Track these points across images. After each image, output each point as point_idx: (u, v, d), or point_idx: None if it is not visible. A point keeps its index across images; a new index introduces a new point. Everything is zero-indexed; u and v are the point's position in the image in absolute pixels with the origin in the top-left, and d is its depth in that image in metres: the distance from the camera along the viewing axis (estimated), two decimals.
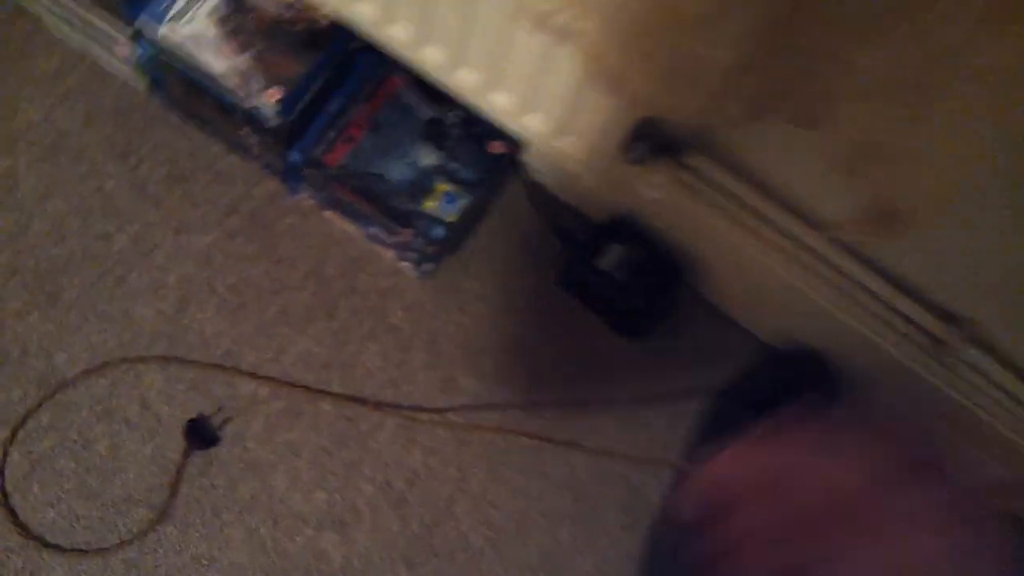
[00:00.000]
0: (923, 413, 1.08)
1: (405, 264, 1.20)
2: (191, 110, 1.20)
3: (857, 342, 1.06)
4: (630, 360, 1.23)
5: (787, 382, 1.21)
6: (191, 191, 1.21)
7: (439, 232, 1.11)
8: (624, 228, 1.21)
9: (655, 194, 0.99)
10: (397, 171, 1.12)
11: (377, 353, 1.18)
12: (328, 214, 1.21)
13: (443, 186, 1.12)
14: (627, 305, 1.19)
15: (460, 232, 1.15)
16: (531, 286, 1.25)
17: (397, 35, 1.03)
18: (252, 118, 1.09)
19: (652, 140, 0.98)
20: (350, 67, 1.14)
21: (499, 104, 1.04)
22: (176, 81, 1.14)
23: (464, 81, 1.03)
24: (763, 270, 1.04)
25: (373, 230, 1.16)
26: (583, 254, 1.20)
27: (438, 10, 0.95)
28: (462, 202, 1.12)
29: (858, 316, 1.03)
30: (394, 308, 1.21)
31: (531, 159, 1.21)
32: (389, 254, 1.20)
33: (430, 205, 1.11)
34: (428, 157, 1.13)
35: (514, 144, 1.15)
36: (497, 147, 1.14)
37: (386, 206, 1.11)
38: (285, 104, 1.06)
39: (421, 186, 1.12)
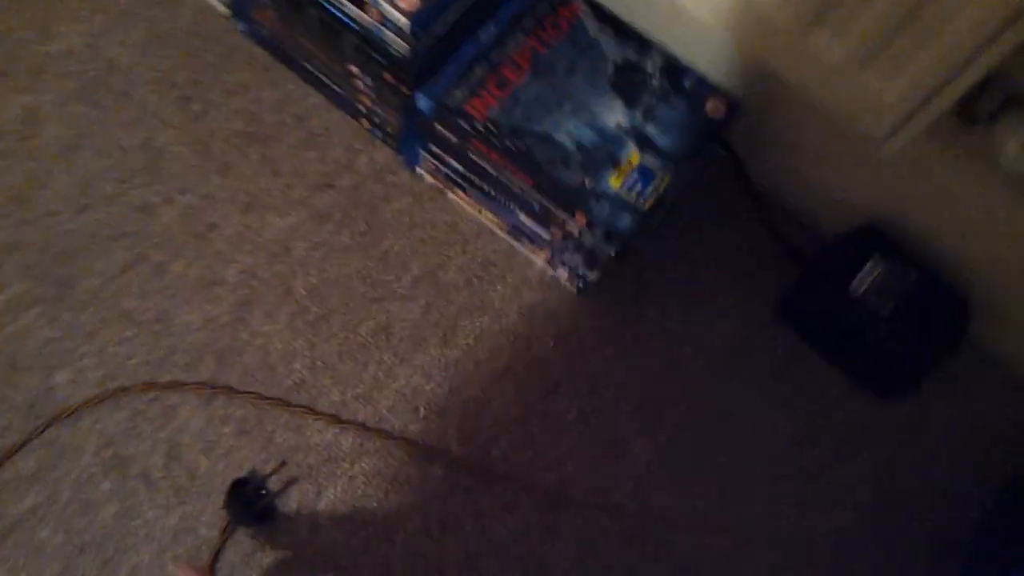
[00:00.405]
0: None
1: (560, 273, 0.83)
2: (285, 40, 0.87)
3: None
4: (883, 429, 0.84)
5: None
6: (271, 155, 0.87)
7: (625, 222, 0.74)
8: (879, 239, 0.83)
9: (1013, 163, 0.60)
10: (570, 132, 0.76)
11: (515, 398, 0.81)
12: (457, 196, 0.85)
13: (636, 156, 0.76)
14: (889, 349, 0.80)
15: (651, 225, 0.78)
16: (739, 320, 0.87)
17: None
18: (369, 39, 0.75)
19: (1014, 86, 0.61)
20: None
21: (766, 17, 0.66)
22: None
23: None
24: None
25: (522, 220, 0.80)
26: (827, 275, 0.82)
27: None
28: (659, 181, 0.75)
29: None
30: (540, 336, 0.84)
31: (753, 140, 0.84)
32: (539, 257, 0.84)
33: (616, 182, 0.75)
34: (616, 114, 0.77)
35: (734, 108, 0.78)
36: (718, 107, 0.78)
37: (551, 180, 0.74)
38: (420, 18, 0.72)
39: (605, 154, 0.76)
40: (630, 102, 0.77)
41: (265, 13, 0.85)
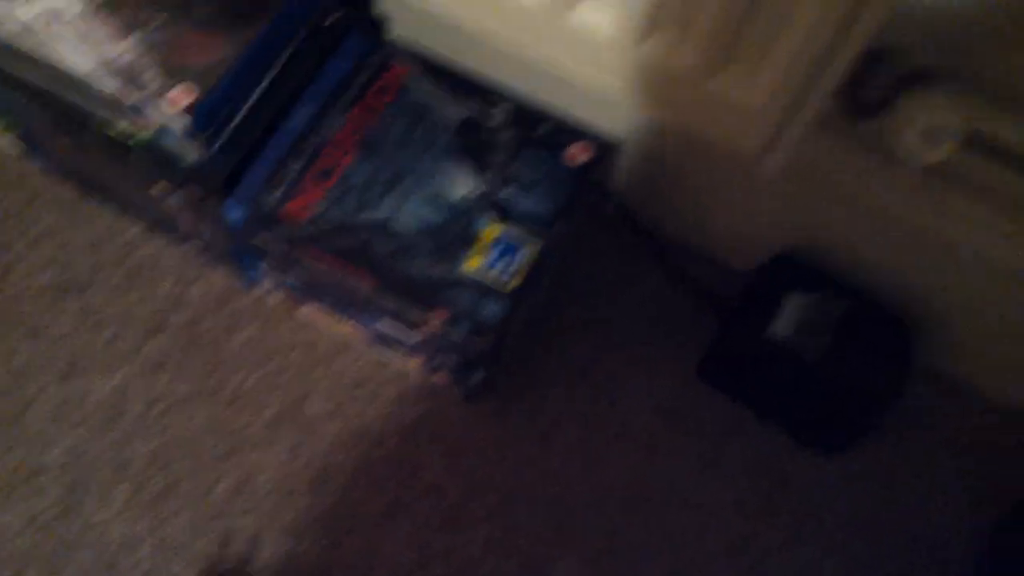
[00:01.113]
0: None
1: (439, 379, 0.70)
2: (87, 169, 0.75)
3: None
4: (834, 489, 0.71)
5: None
6: (90, 305, 0.74)
7: (493, 309, 0.61)
8: (798, 271, 0.71)
9: (930, 155, 0.49)
10: (413, 214, 0.64)
11: (409, 538, 0.67)
12: (308, 310, 0.73)
13: (494, 228, 0.64)
14: (825, 396, 0.68)
15: (529, 305, 0.65)
16: (658, 388, 0.74)
17: None
18: (156, 151, 0.63)
19: (906, 63, 0.50)
20: (322, 51, 0.69)
21: (595, 28, 0.55)
22: (43, 117, 0.69)
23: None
24: None
25: (383, 326, 0.67)
26: (743, 322, 0.69)
27: None
28: (526, 253, 0.63)
29: None
30: (429, 457, 0.70)
31: (630, 179, 0.72)
32: (413, 365, 0.71)
33: (472, 265, 0.62)
34: (464, 184, 0.65)
35: (602, 150, 0.66)
36: (579, 153, 0.66)
37: (398, 276, 0.62)
38: (201, 113, 0.60)
39: (456, 234, 0.63)
40: (478, 167, 0.65)
41: (58, 141, 0.73)
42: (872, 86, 0.49)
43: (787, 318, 0.68)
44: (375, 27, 0.73)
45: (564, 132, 0.67)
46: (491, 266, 0.62)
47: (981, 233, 0.60)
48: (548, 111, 0.67)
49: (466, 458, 0.70)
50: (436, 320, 0.62)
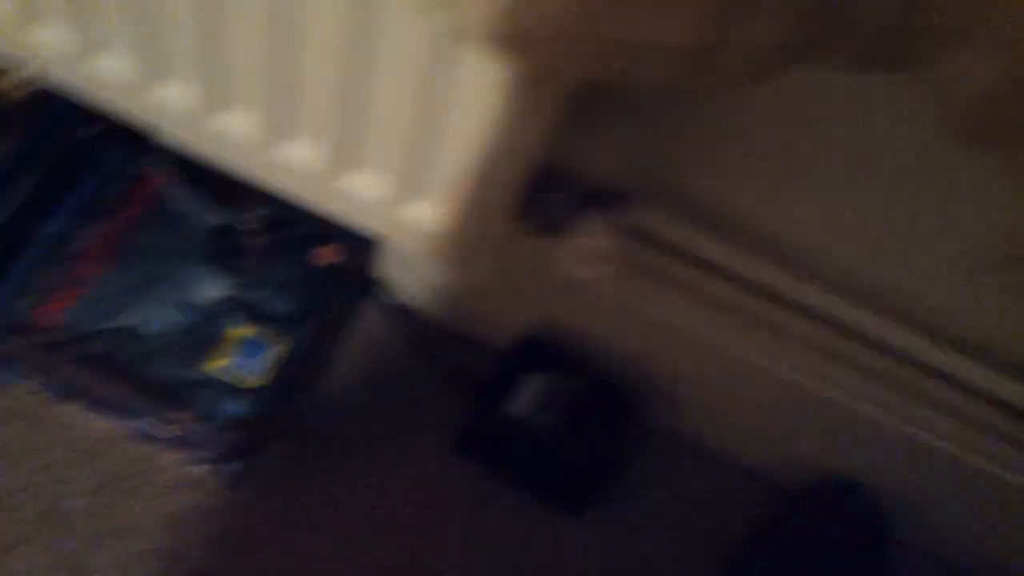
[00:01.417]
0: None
1: (200, 470, 0.73)
2: None
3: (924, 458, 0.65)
4: (584, 546, 0.78)
5: (824, 523, 0.79)
6: None
7: (236, 407, 0.65)
8: (539, 351, 0.78)
9: (586, 273, 0.56)
10: (162, 318, 0.67)
11: None
12: (68, 409, 0.74)
13: (238, 331, 0.68)
14: (560, 465, 0.75)
15: (278, 401, 0.69)
16: (416, 466, 0.79)
17: (110, 70, 0.58)
18: None
19: (569, 188, 0.57)
20: (75, 165, 0.71)
21: (305, 169, 0.60)
22: None
23: (243, 137, 0.59)
24: (769, 377, 0.64)
25: (139, 423, 0.70)
26: (485, 399, 0.76)
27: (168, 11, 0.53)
28: (274, 351, 0.67)
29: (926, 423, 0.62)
30: (192, 547, 0.72)
31: (390, 267, 0.78)
32: (174, 458, 0.74)
33: (218, 365, 0.66)
34: (212, 288, 0.69)
35: (356, 247, 0.72)
36: (325, 255, 0.71)
37: (146, 379, 0.65)
38: None
39: (202, 336, 0.67)
40: (227, 270, 0.69)
41: None
42: (549, 208, 0.56)
43: (524, 397, 0.75)
44: (135, 137, 0.76)
45: (317, 235, 0.72)
46: (238, 366, 0.66)
47: (682, 317, 0.69)
48: (305, 213, 0.72)
49: (230, 546, 0.73)
50: (185, 419, 0.65)
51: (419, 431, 0.80)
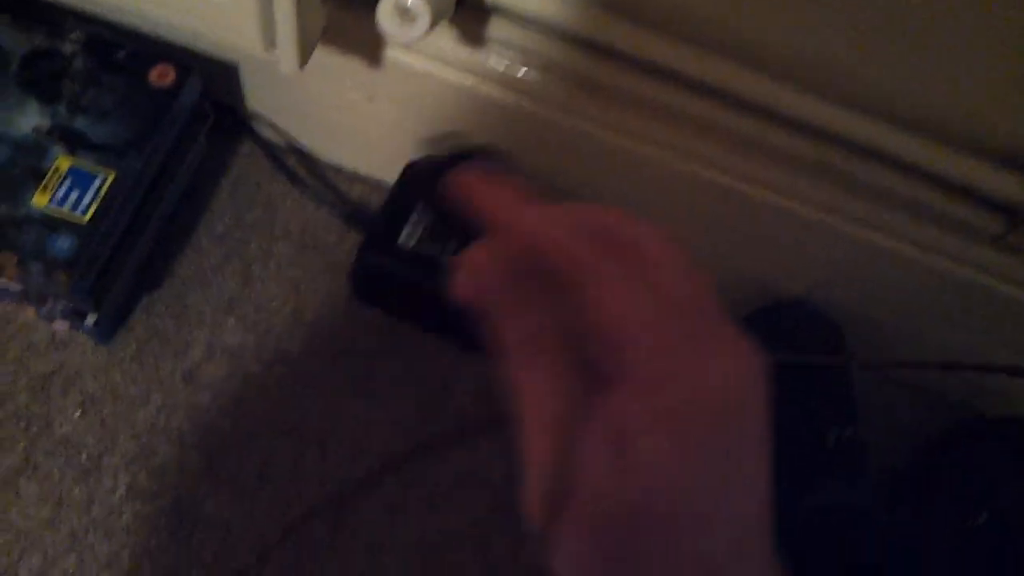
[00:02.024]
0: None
1: (60, 326, 0.67)
2: None
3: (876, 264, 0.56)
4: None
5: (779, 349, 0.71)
6: None
7: (65, 244, 0.58)
8: (430, 177, 0.69)
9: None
10: None
11: (40, 496, 0.64)
12: None
13: (65, 160, 0.60)
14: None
15: (108, 238, 0.62)
16: (313, 314, 0.72)
17: None
18: None
19: None
20: None
21: None
22: None
23: None
24: (708, 186, 0.56)
25: None
26: (380, 235, 0.68)
27: None
28: (104, 181, 0.59)
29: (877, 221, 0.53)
30: (61, 410, 0.67)
31: (260, 102, 0.69)
32: (32, 315, 0.67)
33: (41, 200, 0.59)
34: (31, 116, 0.61)
35: (190, 69, 0.63)
36: (164, 74, 0.63)
37: None
38: None
39: (23, 170, 0.59)
40: (47, 97, 0.61)
41: None
42: None
43: (413, 226, 0.67)
44: None
45: (145, 55, 0.63)
46: (63, 200, 0.59)
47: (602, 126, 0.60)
48: (130, 32, 0.64)
49: (104, 405, 0.67)
50: (10, 264, 0.58)
51: (313, 274, 0.73)
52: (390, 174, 0.73)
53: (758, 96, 0.56)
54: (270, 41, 0.48)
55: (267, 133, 0.73)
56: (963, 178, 0.57)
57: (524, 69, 0.61)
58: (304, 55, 0.49)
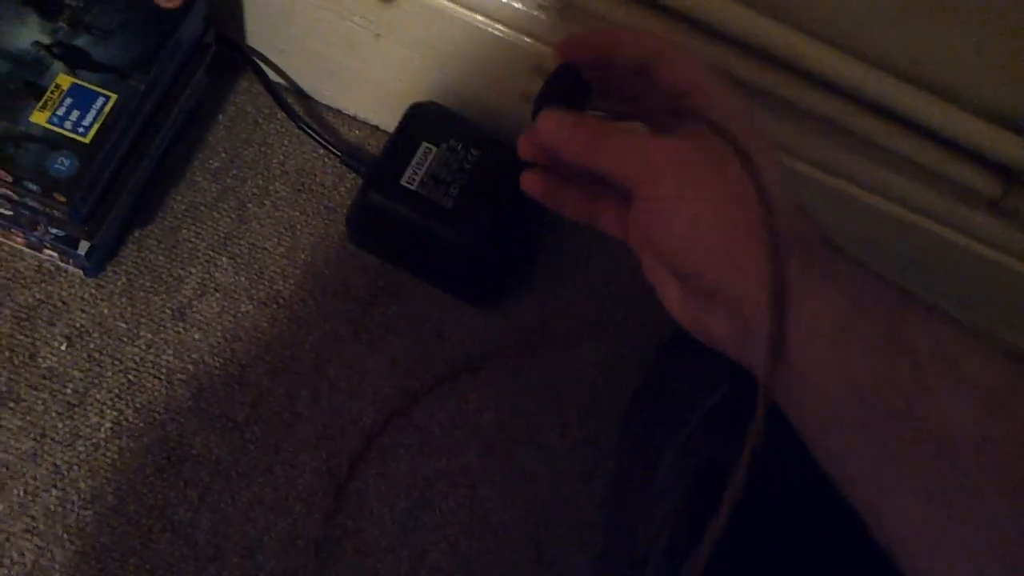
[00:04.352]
0: None
1: (50, 255, 0.65)
2: None
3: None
4: (490, 339, 0.71)
5: None
6: None
7: (65, 165, 0.56)
8: (434, 124, 0.69)
9: None
10: None
11: (22, 429, 0.62)
12: None
13: (65, 78, 0.58)
14: (464, 248, 0.66)
15: (116, 164, 0.60)
16: (307, 255, 0.71)
17: None
18: None
19: None
20: None
21: None
22: None
23: None
24: None
25: None
26: (380, 178, 0.67)
27: None
28: (107, 101, 0.58)
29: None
30: (47, 343, 0.65)
31: (263, 38, 0.68)
32: (20, 243, 0.65)
33: (40, 118, 0.57)
34: (31, 30, 0.59)
35: None
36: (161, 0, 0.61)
37: None
38: None
39: (21, 85, 0.57)
40: (48, 12, 0.59)
41: None
42: None
43: (415, 168, 0.66)
44: None
45: None
46: (64, 118, 0.57)
47: None
48: None
49: (91, 339, 0.65)
50: (10, 180, 0.56)
51: (309, 216, 0.72)
52: (389, 119, 0.72)
53: (749, 36, 0.56)
54: None
55: (267, 70, 0.72)
56: (960, 135, 0.58)
57: (538, 10, 0.60)
58: None
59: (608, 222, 0.44)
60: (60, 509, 0.61)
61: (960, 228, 0.66)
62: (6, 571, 0.58)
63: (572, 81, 0.42)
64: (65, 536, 0.60)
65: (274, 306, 0.69)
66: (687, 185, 0.36)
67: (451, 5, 0.61)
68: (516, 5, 0.60)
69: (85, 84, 0.58)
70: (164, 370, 0.66)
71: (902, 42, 0.56)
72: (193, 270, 0.68)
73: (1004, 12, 0.52)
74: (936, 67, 0.57)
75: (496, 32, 0.61)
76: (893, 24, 0.55)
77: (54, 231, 0.61)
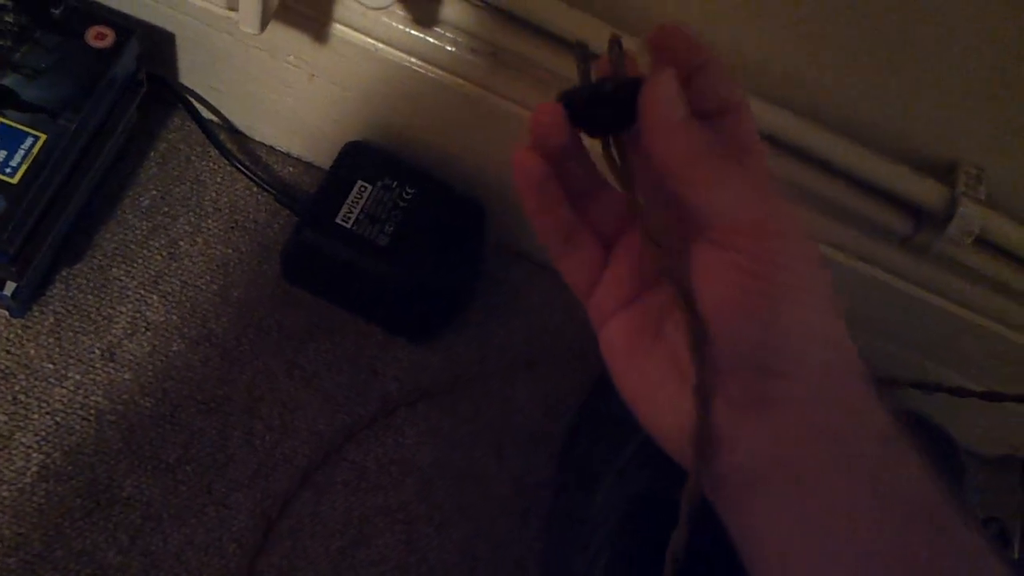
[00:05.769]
0: None
1: None
2: None
3: None
4: (425, 374, 0.71)
5: None
6: None
7: None
8: (369, 161, 0.70)
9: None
10: None
11: None
12: None
13: None
14: (400, 284, 0.67)
15: (44, 204, 0.59)
16: (241, 292, 0.71)
17: None
18: None
19: None
20: None
21: None
22: None
23: None
24: None
25: None
26: (315, 216, 0.67)
27: None
28: (35, 141, 0.57)
29: None
30: None
31: (199, 78, 0.68)
32: None
33: None
34: None
35: (129, 32, 0.61)
36: (102, 35, 0.61)
37: None
38: None
39: None
40: None
41: None
42: None
43: (351, 206, 0.66)
44: None
45: (82, 14, 0.61)
46: None
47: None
48: None
49: (16, 381, 0.64)
50: None
51: (243, 254, 0.72)
52: (323, 156, 0.73)
53: None
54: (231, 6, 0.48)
55: (200, 107, 0.72)
56: (876, 177, 0.62)
57: (472, 54, 0.62)
58: (266, 16, 0.49)
59: (584, 254, 0.37)
60: None
61: (876, 263, 0.69)
62: None
63: (630, 97, 0.32)
64: None
65: (207, 345, 0.68)
66: (800, 262, 0.31)
67: (385, 47, 0.62)
68: (449, 48, 0.62)
69: (13, 124, 0.57)
70: (93, 411, 0.64)
71: (826, 91, 0.59)
72: (123, 309, 0.67)
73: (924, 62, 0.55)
74: (855, 114, 0.60)
75: (430, 74, 0.63)
76: (813, 69, 0.58)
77: None
